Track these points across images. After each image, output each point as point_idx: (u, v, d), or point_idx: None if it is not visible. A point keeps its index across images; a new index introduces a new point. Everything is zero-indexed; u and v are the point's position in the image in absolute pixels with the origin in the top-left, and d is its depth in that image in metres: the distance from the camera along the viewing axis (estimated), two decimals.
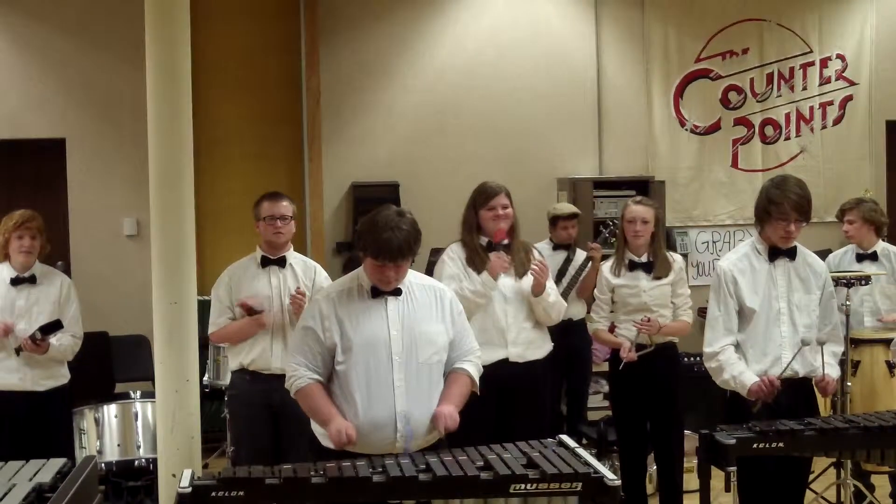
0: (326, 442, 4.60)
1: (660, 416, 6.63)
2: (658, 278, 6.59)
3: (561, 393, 8.29)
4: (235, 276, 6.30)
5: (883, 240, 7.51)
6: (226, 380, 6.64)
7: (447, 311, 4.76)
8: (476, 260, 6.06)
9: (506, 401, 5.94)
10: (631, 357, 6.50)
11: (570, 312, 7.78)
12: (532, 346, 6.16)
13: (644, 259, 6.62)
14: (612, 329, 6.70)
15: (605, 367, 8.53)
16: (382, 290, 4.64)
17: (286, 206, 6.31)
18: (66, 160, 9.32)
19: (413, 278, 4.76)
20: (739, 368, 5.27)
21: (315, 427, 4.71)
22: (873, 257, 7.21)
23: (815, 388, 5.43)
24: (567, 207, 8.48)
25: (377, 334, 4.59)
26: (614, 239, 7.66)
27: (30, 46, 9.24)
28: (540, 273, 6.01)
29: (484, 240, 6.11)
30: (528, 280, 6.07)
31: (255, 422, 6.17)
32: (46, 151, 9.30)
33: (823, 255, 7.01)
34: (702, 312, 8.43)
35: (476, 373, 4.83)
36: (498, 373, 5.40)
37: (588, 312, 8.02)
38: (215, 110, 9.19)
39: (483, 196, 6.11)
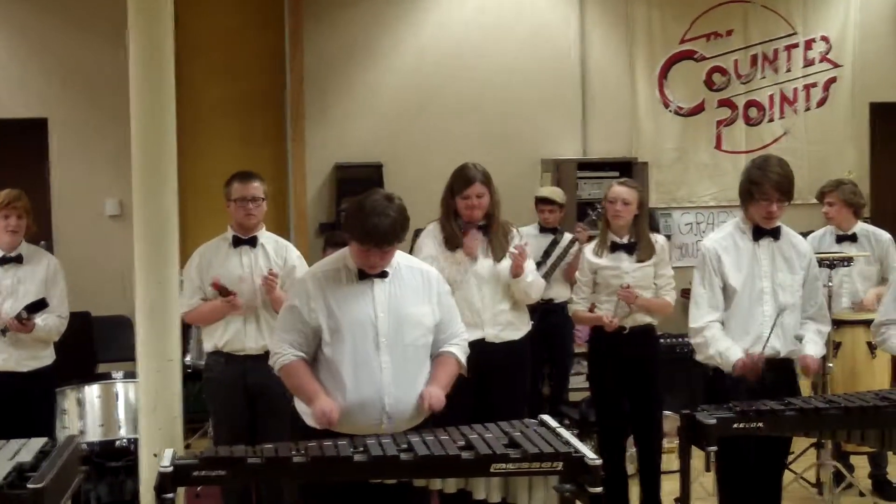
0: (310, 421, 4.61)
1: (638, 397, 6.65)
2: (640, 260, 6.59)
3: (543, 374, 8.30)
4: (206, 257, 6.26)
5: (864, 221, 7.54)
6: None
7: (434, 292, 4.76)
8: (452, 241, 6.07)
9: (483, 381, 5.94)
10: (614, 324, 6.50)
11: (552, 294, 7.81)
12: (509, 327, 6.16)
13: (626, 240, 6.62)
14: (591, 309, 6.70)
15: (586, 348, 8.55)
16: (369, 273, 4.64)
17: (257, 188, 6.23)
18: (47, 140, 9.29)
19: (401, 259, 4.77)
20: (725, 344, 5.27)
21: (298, 406, 4.72)
22: (853, 238, 7.24)
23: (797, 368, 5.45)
24: (545, 190, 8.49)
25: (364, 317, 4.59)
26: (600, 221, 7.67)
27: (10, 26, 9.20)
28: (518, 257, 6.02)
29: (460, 222, 6.12)
30: (505, 262, 6.08)
31: (232, 403, 6.16)
32: (28, 131, 9.26)
33: (806, 236, 7.03)
34: (685, 293, 8.45)
35: (463, 356, 4.85)
36: (475, 353, 5.43)
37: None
38: (198, 90, 9.16)
39: (459, 182, 6.08)
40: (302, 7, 9.54)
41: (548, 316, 7.68)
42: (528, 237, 6.81)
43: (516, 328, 6.20)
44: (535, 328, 6.42)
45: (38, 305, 6.30)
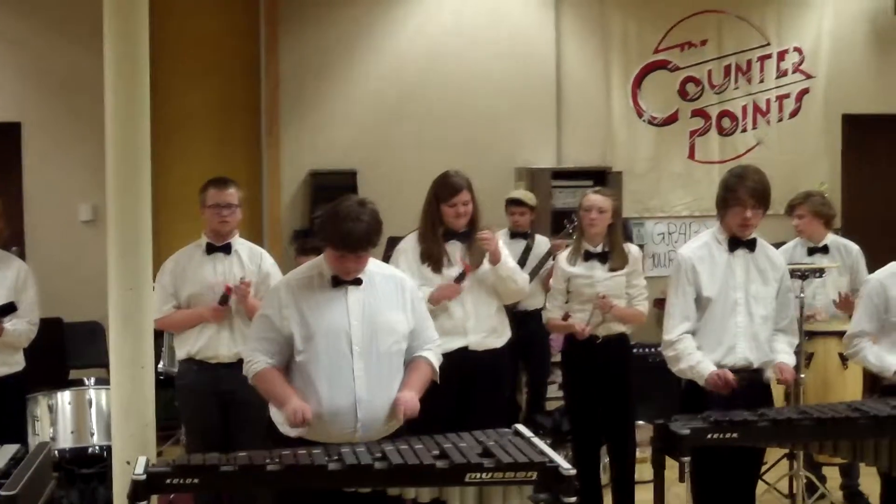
0: (285, 429, 4.61)
1: (611, 407, 6.65)
2: (613, 269, 6.60)
3: (519, 383, 8.30)
4: (180, 264, 6.25)
5: (836, 232, 7.57)
6: None
7: (408, 299, 4.77)
8: (434, 252, 6.07)
9: (466, 389, 5.96)
10: (587, 333, 6.51)
11: (528, 303, 7.80)
12: (492, 335, 6.19)
13: (599, 249, 6.63)
14: (565, 318, 6.70)
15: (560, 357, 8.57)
16: (343, 280, 4.64)
17: (232, 194, 6.22)
18: (21, 144, 9.24)
19: (374, 267, 4.77)
20: (696, 358, 5.29)
21: (274, 415, 4.72)
22: (824, 250, 7.26)
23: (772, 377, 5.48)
24: (516, 192, 8.50)
25: (337, 324, 4.59)
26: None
27: None
28: (487, 241, 6.03)
29: (441, 230, 6.12)
30: (484, 267, 6.10)
31: (205, 411, 6.15)
32: (1, 135, 9.20)
33: (778, 248, 7.06)
34: (658, 303, 8.48)
35: (436, 361, 4.86)
36: (458, 361, 5.42)
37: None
38: (174, 95, 9.14)
39: (445, 191, 6.09)
40: (278, 13, 9.53)
41: (524, 324, 7.68)
42: None
43: (499, 335, 6.23)
44: (511, 337, 6.42)
45: (7, 309, 6.24)
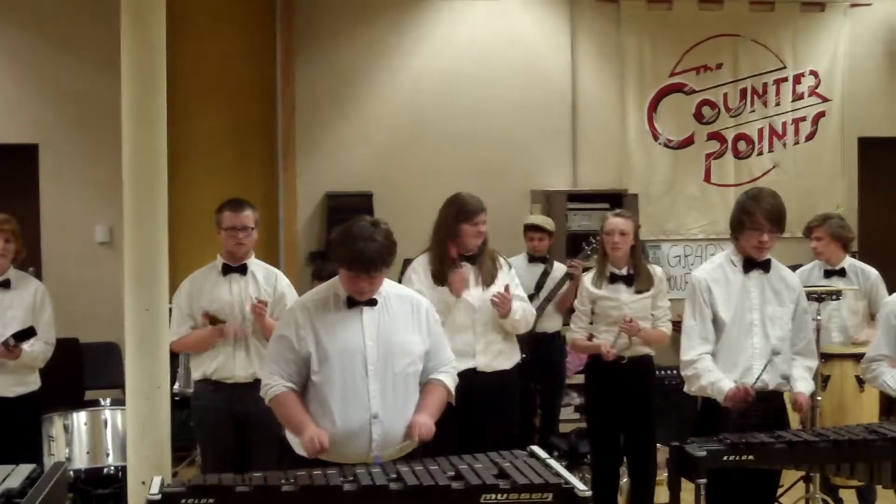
0: (300, 450, 4.60)
1: (634, 429, 6.65)
2: (639, 291, 6.62)
3: (534, 405, 8.29)
4: (196, 285, 6.27)
5: (853, 255, 7.55)
6: None
7: (423, 320, 4.77)
8: (447, 274, 6.08)
9: (474, 410, 5.94)
10: (612, 354, 6.52)
11: (545, 325, 7.80)
12: (501, 357, 6.20)
13: (624, 272, 6.65)
14: (590, 339, 6.71)
15: (578, 379, 8.56)
16: (358, 300, 4.64)
17: (247, 216, 6.24)
18: (38, 166, 9.28)
19: (390, 288, 4.77)
20: (717, 375, 5.28)
21: (289, 435, 4.72)
22: (841, 273, 7.24)
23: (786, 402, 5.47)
24: (534, 218, 8.49)
25: (352, 344, 4.59)
26: (595, 255, 7.69)
27: (2, 51, 9.20)
28: (501, 305, 6.05)
29: (454, 251, 6.13)
30: (495, 288, 6.10)
31: (220, 431, 6.16)
32: (18, 157, 9.25)
33: (794, 270, 7.04)
34: (675, 326, 8.46)
35: (452, 384, 4.85)
36: (466, 382, 5.41)
37: (564, 325, 8.02)
38: (190, 118, 9.14)
39: (467, 212, 6.11)
40: (293, 37, 9.56)
41: (540, 347, 7.66)
42: (517, 267, 6.83)
43: (507, 357, 6.23)
44: (528, 359, 6.42)
45: (27, 333, 6.27)
